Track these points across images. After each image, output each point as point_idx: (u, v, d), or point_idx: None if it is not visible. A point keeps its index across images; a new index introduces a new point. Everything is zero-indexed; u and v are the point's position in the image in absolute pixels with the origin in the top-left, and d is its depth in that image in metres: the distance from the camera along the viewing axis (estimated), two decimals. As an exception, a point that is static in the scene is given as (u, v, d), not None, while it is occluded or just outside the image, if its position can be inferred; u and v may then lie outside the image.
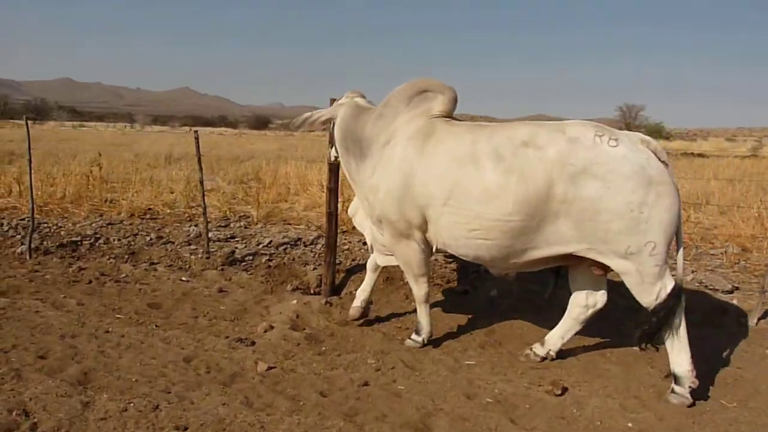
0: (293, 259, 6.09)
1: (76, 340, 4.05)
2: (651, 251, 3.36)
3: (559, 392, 3.54)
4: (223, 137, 38.70)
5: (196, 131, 6.17)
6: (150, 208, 8.37)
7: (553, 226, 3.47)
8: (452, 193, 3.61)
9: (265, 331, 4.37)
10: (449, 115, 3.97)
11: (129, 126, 66.25)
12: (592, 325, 4.64)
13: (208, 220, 7.56)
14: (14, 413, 3.03)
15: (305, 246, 6.50)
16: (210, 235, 6.38)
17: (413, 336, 4.26)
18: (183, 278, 5.58)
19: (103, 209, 8.17)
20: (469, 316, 4.83)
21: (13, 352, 3.78)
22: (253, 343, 4.16)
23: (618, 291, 5.15)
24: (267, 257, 6.11)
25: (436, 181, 3.67)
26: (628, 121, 50.90)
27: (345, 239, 6.75)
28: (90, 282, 5.36)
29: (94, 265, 5.84)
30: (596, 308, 3.90)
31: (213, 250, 6.22)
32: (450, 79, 4.66)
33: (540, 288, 5.27)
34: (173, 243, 6.54)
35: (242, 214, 8.25)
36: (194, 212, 8.04)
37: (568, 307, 3.99)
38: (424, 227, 3.87)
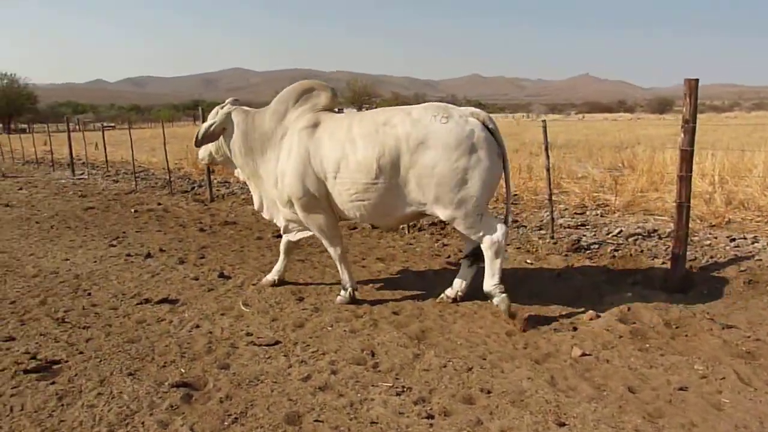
0: (641, 251, 5.81)
1: (424, 302, 4.78)
2: (474, 204, 4.23)
3: None
4: (614, 123, 37.63)
5: (543, 121, 6.38)
6: (515, 194, 8.95)
7: (406, 188, 4.32)
8: (339, 167, 4.42)
9: (591, 319, 4.38)
10: (331, 108, 4.82)
11: (525, 116, 69.88)
12: None
13: (565, 207, 7.74)
14: (364, 352, 3.84)
15: (659, 238, 6.12)
16: (560, 221, 6.54)
17: (341, 293, 4.86)
18: (527, 261, 5.91)
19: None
20: None
21: (376, 306, 4.71)
22: (575, 329, 4.22)
23: None
24: (613, 247, 5.97)
25: (327, 160, 4.47)
26: None
27: (709, 234, 6.09)
28: (449, 257, 6.15)
29: (455, 242, 6.64)
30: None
31: (561, 236, 6.37)
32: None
33: None
34: (525, 227, 6.92)
35: (601, 202, 8.13)
36: (555, 199, 8.28)
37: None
38: (326, 199, 4.60)
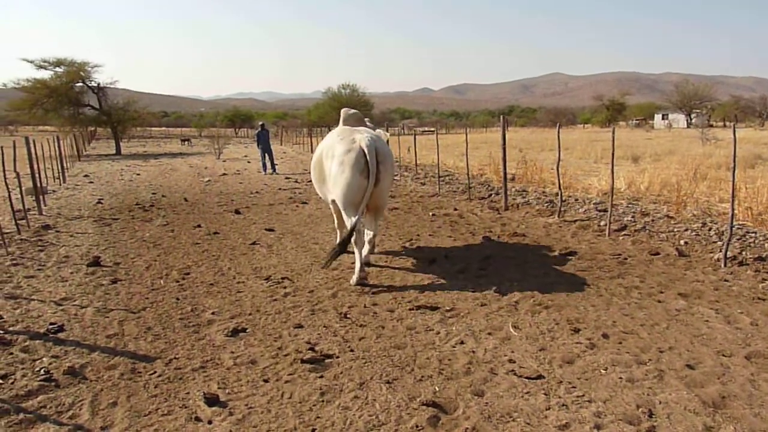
0: None
1: (731, 359, 3.86)
2: (341, 200, 5.87)
3: None
4: None
5: None
6: None
7: (328, 183, 6.20)
8: (321, 172, 6.41)
9: None
10: (352, 124, 6.83)
11: None
12: None
13: None
14: (640, 409, 3.22)
15: None
16: None
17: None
18: None
19: (827, 224, 7.20)
20: None
21: (665, 354, 3.96)
22: None
23: None
24: None
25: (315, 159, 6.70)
26: None
27: None
28: (775, 303, 4.92)
29: (788, 285, 5.30)
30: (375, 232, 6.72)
31: None
32: None
33: None
34: None
35: None
36: None
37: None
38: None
